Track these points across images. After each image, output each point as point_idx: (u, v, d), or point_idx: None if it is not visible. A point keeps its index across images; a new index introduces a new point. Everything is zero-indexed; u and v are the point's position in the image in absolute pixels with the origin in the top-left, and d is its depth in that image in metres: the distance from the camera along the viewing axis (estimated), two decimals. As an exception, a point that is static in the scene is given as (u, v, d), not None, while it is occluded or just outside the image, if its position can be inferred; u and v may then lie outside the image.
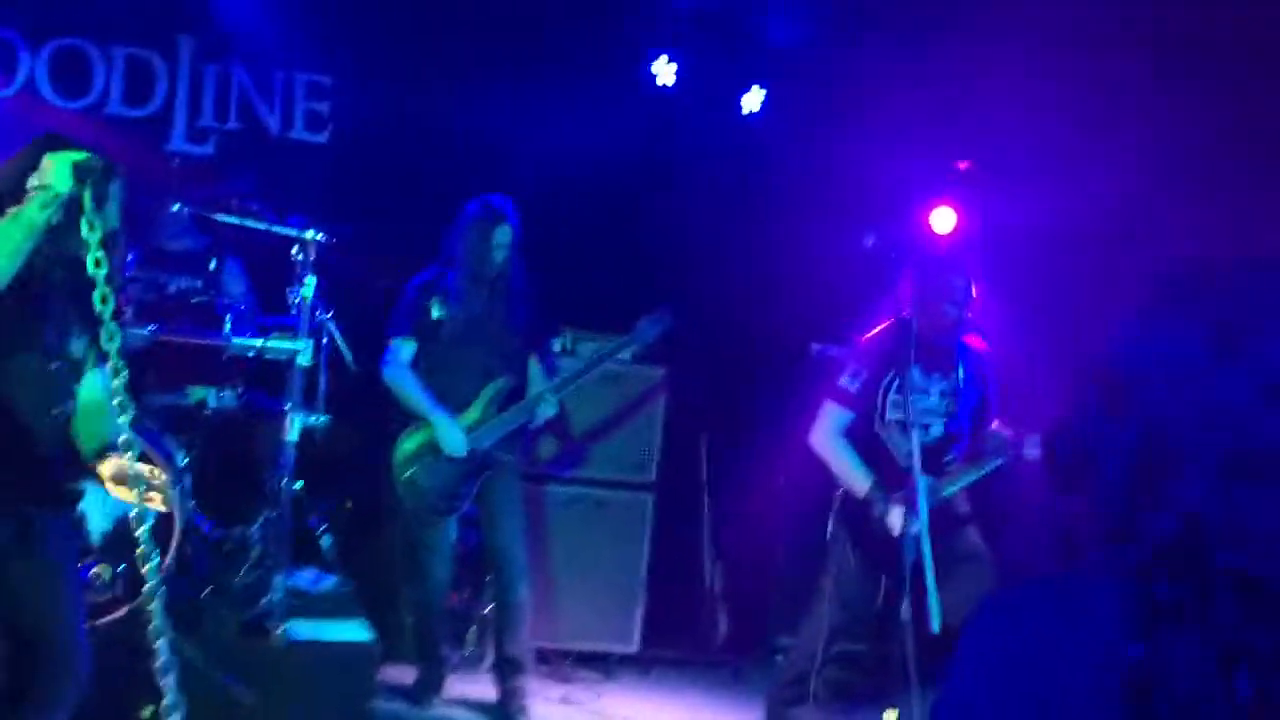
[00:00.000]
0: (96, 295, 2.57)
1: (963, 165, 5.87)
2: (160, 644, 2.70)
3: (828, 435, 4.13)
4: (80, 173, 2.59)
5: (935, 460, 4.14)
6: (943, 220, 5.62)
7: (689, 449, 5.51)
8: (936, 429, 4.14)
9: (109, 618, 3.72)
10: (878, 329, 4.27)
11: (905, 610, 2.99)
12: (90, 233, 2.56)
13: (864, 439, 4.16)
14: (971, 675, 1.03)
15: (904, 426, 4.10)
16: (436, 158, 5.36)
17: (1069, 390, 1.11)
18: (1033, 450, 4.05)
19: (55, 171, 2.57)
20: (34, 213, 2.54)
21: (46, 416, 2.75)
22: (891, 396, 4.15)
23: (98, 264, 2.56)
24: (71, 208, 2.57)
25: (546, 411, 4.51)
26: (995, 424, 4.28)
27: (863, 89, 5.50)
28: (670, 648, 5.45)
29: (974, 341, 4.30)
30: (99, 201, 2.60)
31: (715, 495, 5.55)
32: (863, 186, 5.28)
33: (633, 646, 5.26)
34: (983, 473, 4.12)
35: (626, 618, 5.24)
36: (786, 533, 5.45)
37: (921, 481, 3.08)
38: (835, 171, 5.46)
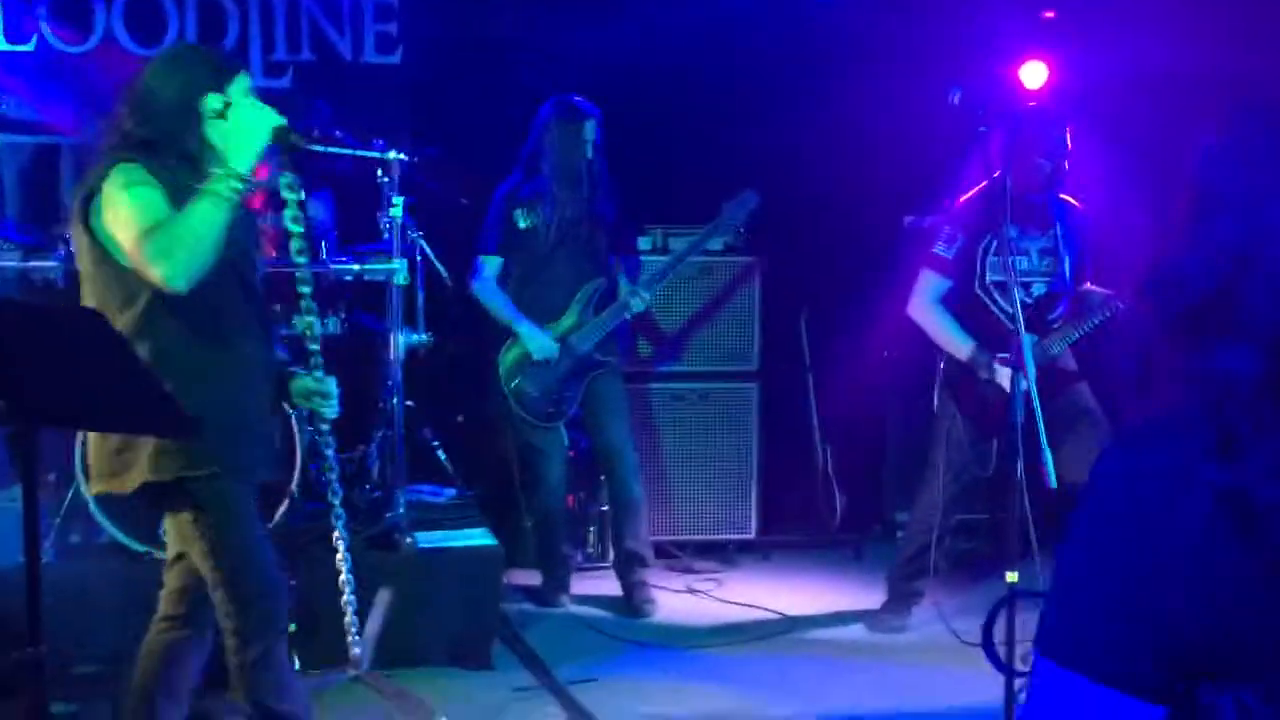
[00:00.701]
0: (295, 246, 2.77)
1: (1049, 15, 5.66)
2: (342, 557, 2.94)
3: (926, 304, 4.10)
4: (282, 139, 2.60)
5: (1039, 319, 4.07)
6: (1033, 74, 5.43)
7: (789, 333, 5.48)
8: (1038, 288, 4.07)
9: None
10: (971, 192, 4.18)
11: (1020, 470, 2.97)
12: (293, 193, 2.67)
13: (965, 305, 4.11)
14: (1089, 525, 1.02)
15: (1004, 288, 4.03)
16: (509, 68, 5.34)
17: (1164, 219, 1.07)
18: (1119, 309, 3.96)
19: (251, 141, 2.52)
20: (230, 194, 2.49)
21: (267, 387, 2.84)
22: (989, 259, 4.09)
23: (296, 221, 2.73)
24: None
25: (639, 306, 4.52)
26: (1088, 285, 4.19)
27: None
28: (788, 532, 5.50)
29: (1070, 199, 4.20)
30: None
31: (819, 377, 5.52)
32: (948, 46, 5.11)
33: (750, 534, 5.32)
34: (1086, 330, 4.05)
35: (742, 506, 5.29)
36: (895, 407, 5.43)
37: (1026, 339, 3.03)
38: (917, 32, 5.29)
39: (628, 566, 4.72)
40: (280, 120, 2.60)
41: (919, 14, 5.31)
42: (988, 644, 2.95)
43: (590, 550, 5.15)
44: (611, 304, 4.53)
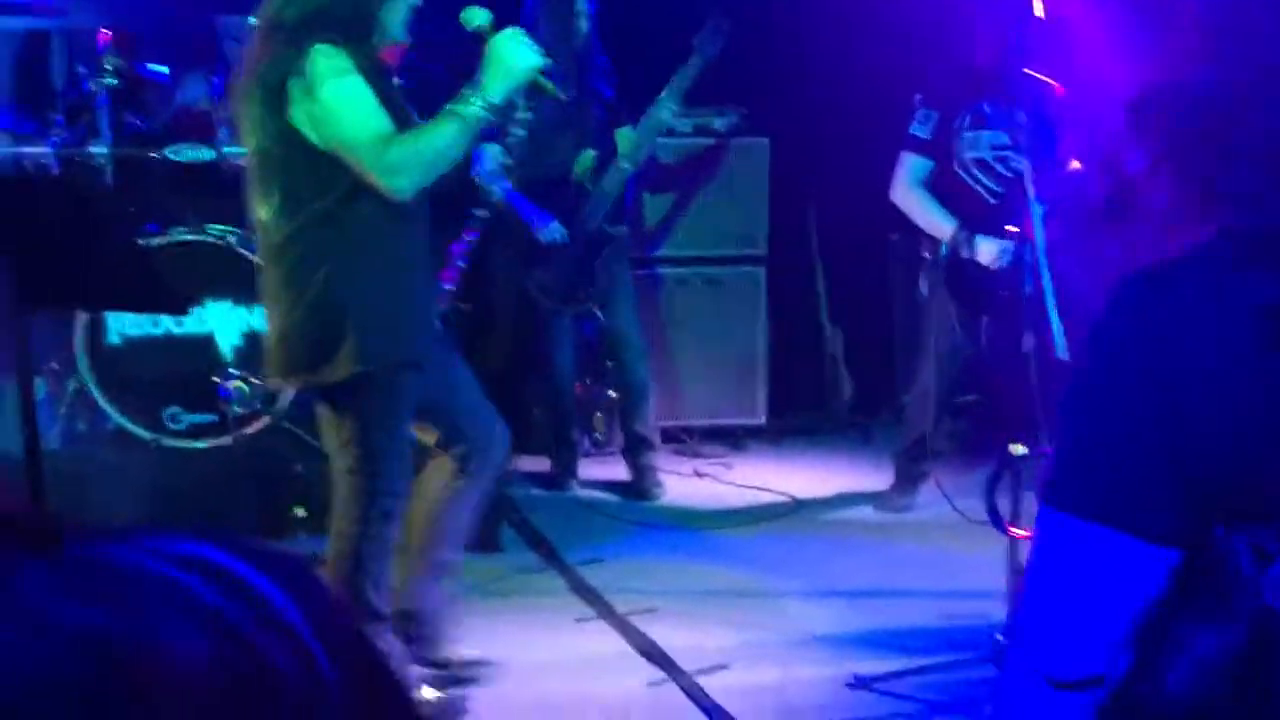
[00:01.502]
0: None
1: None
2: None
3: (906, 186, 4.05)
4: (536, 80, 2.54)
5: (1020, 195, 4.01)
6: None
7: (797, 217, 5.41)
8: (1016, 163, 3.99)
9: (254, 427, 3.88)
10: (946, 66, 4.10)
11: (1028, 341, 2.93)
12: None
13: (944, 184, 4.05)
14: (1105, 361, 0.98)
15: (984, 164, 3.99)
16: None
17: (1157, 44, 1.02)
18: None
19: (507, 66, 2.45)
20: (478, 120, 2.46)
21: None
22: (965, 134, 4.02)
23: None
24: None
25: (636, 158, 4.40)
26: (1075, 164, 4.10)
27: None
28: (797, 416, 5.50)
29: (1043, 77, 4.10)
30: None
31: (828, 261, 5.47)
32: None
33: (759, 418, 5.31)
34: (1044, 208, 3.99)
35: (751, 390, 5.28)
36: (902, 290, 5.37)
37: (1036, 207, 2.97)
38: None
39: (635, 450, 4.73)
40: (542, 62, 2.54)
41: None
42: (991, 507, 2.95)
43: (598, 436, 5.16)
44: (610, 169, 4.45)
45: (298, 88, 2.40)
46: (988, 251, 3.88)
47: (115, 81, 3.90)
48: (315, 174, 2.48)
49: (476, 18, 2.59)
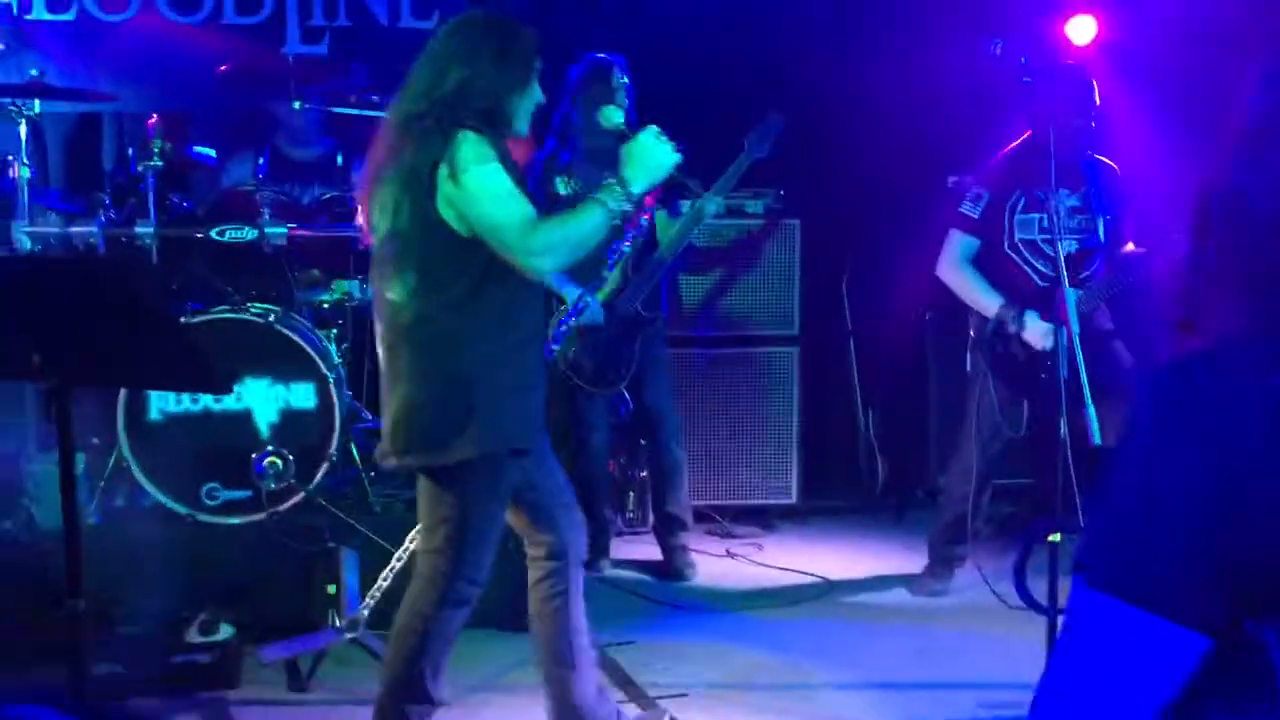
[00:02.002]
0: None
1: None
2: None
3: (954, 264, 4.09)
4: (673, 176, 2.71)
5: (1071, 277, 4.02)
6: (1081, 29, 5.31)
7: (830, 296, 5.43)
8: (1068, 245, 4.00)
9: (288, 503, 3.90)
10: (1005, 149, 4.14)
11: (1063, 427, 2.92)
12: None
13: (995, 264, 4.08)
14: (1145, 451, 0.99)
15: (1035, 246, 4.01)
16: (548, 27, 5.28)
17: (1213, 149, 1.04)
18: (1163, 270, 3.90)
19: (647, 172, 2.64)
20: (619, 209, 2.62)
21: None
22: (1018, 217, 4.05)
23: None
24: None
25: (676, 248, 4.44)
26: (1130, 246, 4.13)
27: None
28: (829, 497, 5.47)
29: (1103, 159, 4.15)
30: None
31: (861, 340, 5.47)
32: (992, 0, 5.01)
33: (792, 498, 5.28)
34: (1118, 286, 4.00)
35: (783, 471, 5.26)
36: (936, 370, 5.36)
37: (1070, 293, 2.97)
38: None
39: (668, 530, 4.72)
40: (679, 159, 2.69)
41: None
42: (1020, 584, 2.92)
43: (631, 515, 5.15)
44: (649, 258, 4.49)
45: (444, 173, 2.50)
46: (1035, 331, 3.90)
47: (161, 163, 4.00)
48: (451, 259, 2.55)
49: (615, 116, 2.79)
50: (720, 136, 5.07)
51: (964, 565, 4.40)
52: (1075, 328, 2.88)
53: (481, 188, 2.50)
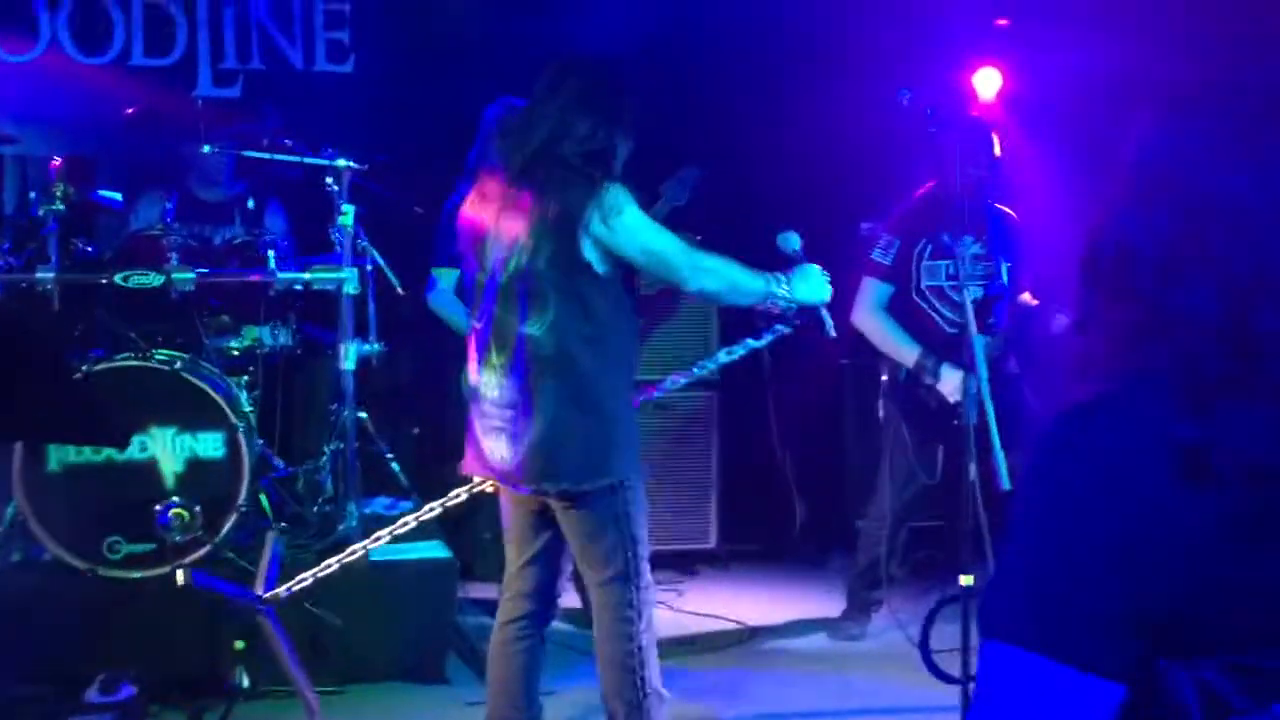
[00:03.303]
0: None
1: (1002, 23, 5.68)
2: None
3: (869, 311, 4.12)
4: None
5: (978, 323, 4.07)
6: (986, 81, 5.45)
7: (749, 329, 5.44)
8: (973, 292, 4.07)
9: (194, 556, 3.79)
10: (911, 197, 4.21)
11: (972, 472, 2.95)
12: None
13: (904, 311, 4.13)
14: (1043, 501, 0.99)
15: (941, 293, 4.07)
16: (463, 75, 5.28)
17: (1102, 192, 1.06)
18: (1062, 321, 3.99)
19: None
20: (772, 299, 2.91)
21: None
22: (925, 263, 4.11)
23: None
24: None
25: None
26: (1027, 295, 4.22)
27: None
28: (748, 541, 5.47)
29: (1004, 208, 4.24)
30: None
31: (779, 385, 5.50)
32: (902, 50, 5.11)
33: (710, 543, 5.27)
34: (1004, 337, 4.07)
35: (702, 515, 5.25)
36: (853, 415, 5.40)
37: (978, 339, 3.01)
38: (870, 36, 5.29)
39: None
40: (828, 297, 2.97)
41: (872, 17, 5.31)
42: (923, 642, 2.94)
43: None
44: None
45: (595, 217, 2.68)
46: (950, 381, 3.91)
47: (64, 207, 3.90)
48: (588, 298, 2.74)
49: (793, 242, 3.03)
50: (638, 182, 5.10)
51: (880, 609, 4.42)
52: (984, 373, 2.91)
53: (640, 225, 2.74)
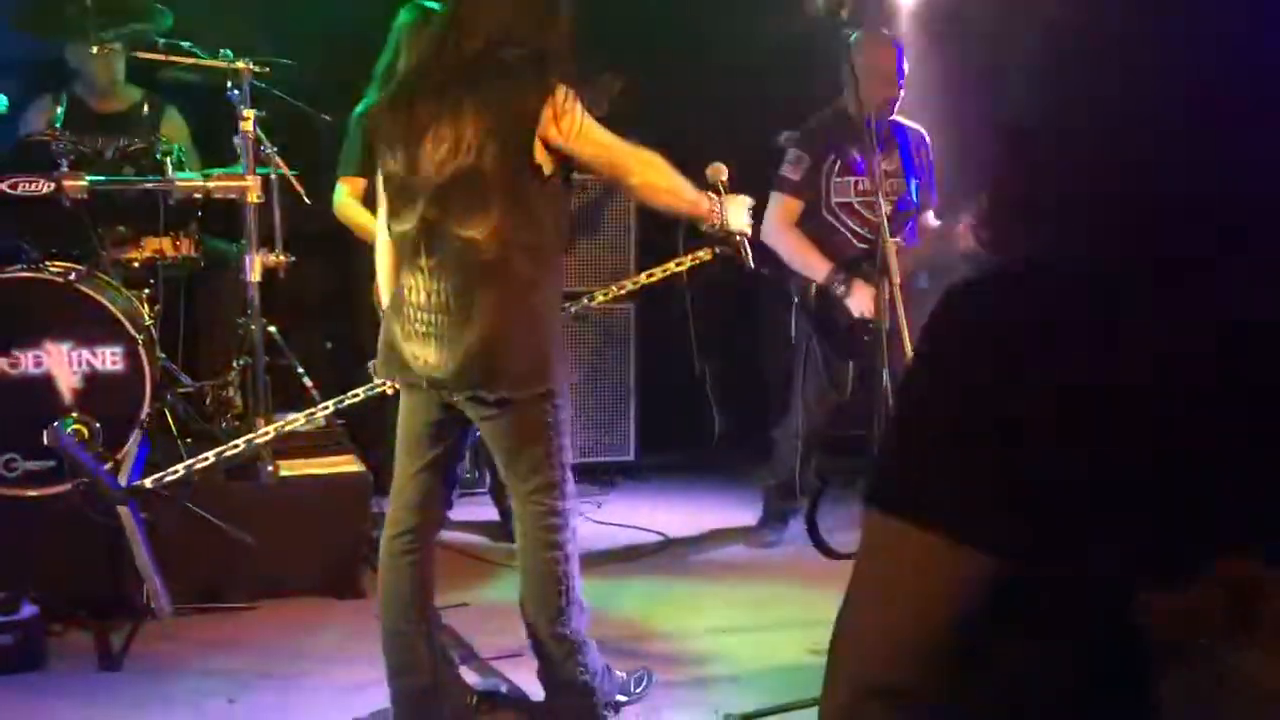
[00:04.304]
0: None
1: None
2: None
3: (779, 227, 4.09)
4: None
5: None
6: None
7: (665, 252, 5.40)
8: (884, 207, 4.06)
9: (95, 475, 3.68)
10: (818, 114, 4.19)
11: (885, 378, 2.95)
12: None
13: (813, 226, 4.11)
14: (931, 364, 0.97)
15: (851, 208, 4.05)
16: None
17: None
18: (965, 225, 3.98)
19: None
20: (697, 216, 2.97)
21: None
22: (834, 180, 4.09)
23: None
24: None
25: None
26: (931, 214, 4.21)
27: None
28: (667, 453, 5.48)
29: (911, 124, 4.22)
30: None
31: (696, 297, 5.47)
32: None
33: (629, 455, 5.28)
34: (938, 258, 4.09)
35: (620, 428, 5.24)
36: (769, 327, 5.40)
37: (890, 244, 3.00)
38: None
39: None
40: (749, 229, 3.05)
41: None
42: (811, 525, 2.99)
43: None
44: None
45: (547, 117, 2.64)
46: (860, 297, 3.91)
47: (-53, 112, 3.70)
48: (533, 204, 2.70)
49: (721, 174, 3.04)
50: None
51: (797, 517, 4.46)
52: (896, 279, 2.90)
53: (589, 123, 2.71)
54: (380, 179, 2.87)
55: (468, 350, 2.71)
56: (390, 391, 3.10)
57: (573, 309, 3.34)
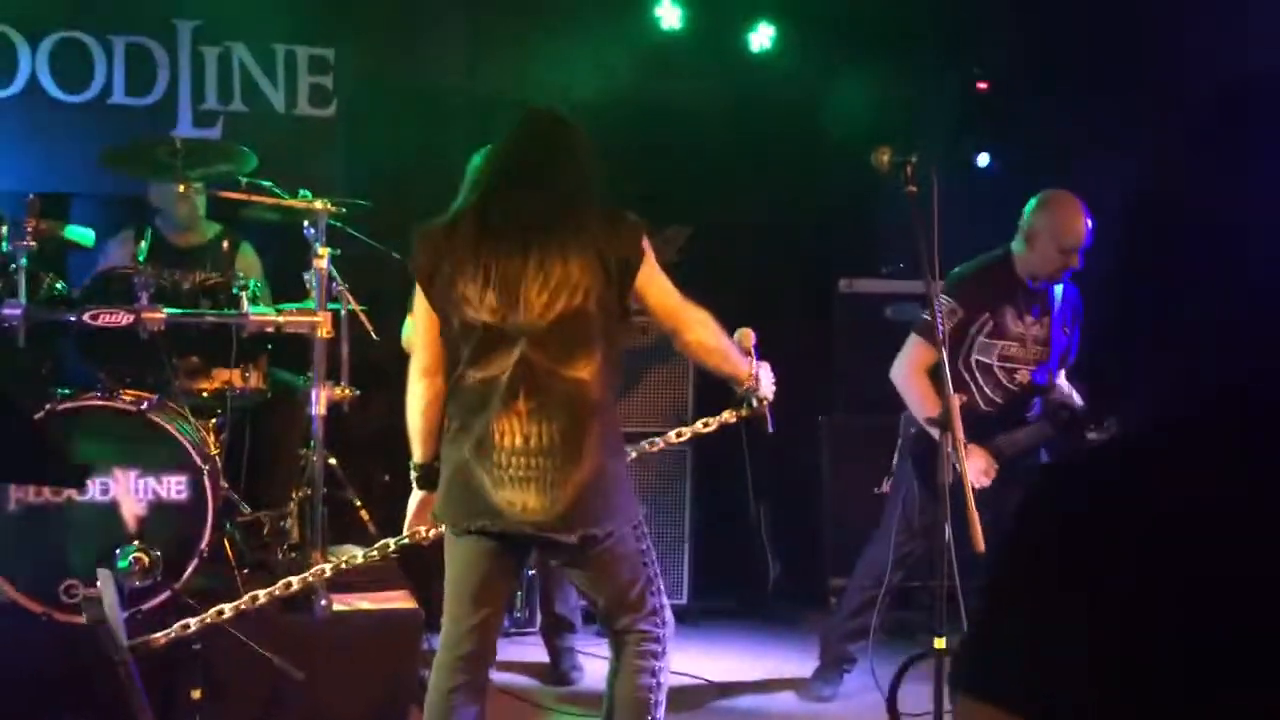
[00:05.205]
0: None
1: (982, 86, 5.73)
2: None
3: (910, 372, 3.91)
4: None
5: (1016, 409, 4.00)
6: (981, 159, 5.50)
7: (724, 395, 5.42)
8: (1021, 375, 4.00)
9: (153, 602, 3.70)
10: (979, 264, 4.03)
11: (947, 532, 2.90)
12: None
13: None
14: (1028, 547, 0.94)
15: (989, 370, 3.97)
16: (446, 119, 5.29)
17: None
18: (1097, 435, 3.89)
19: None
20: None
21: None
22: (981, 339, 3.97)
23: None
24: None
25: None
26: (1062, 376, 4.08)
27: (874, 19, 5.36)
28: (720, 598, 5.40)
29: (1069, 283, 4.08)
30: None
31: (754, 441, 5.46)
32: (880, 121, 5.15)
33: (682, 599, 5.20)
34: (1040, 442, 3.99)
35: (673, 571, 5.18)
36: (829, 473, 5.37)
37: (953, 400, 2.97)
38: (854, 105, 5.33)
39: (555, 632, 4.59)
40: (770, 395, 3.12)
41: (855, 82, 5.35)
42: (890, 702, 2.88)
43: (518, 614, 5.01)
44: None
45: (641, 262, 2.77)
46: (974, 465, 3.76)
47: (35, 244, 3.84)
48: (616, 342, 2.83)
49: (748, 342, 3.10)
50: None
51: (853, 670, 4.35)
52: (960, 435, 2.88)
53: (660, 273, 2.84)
54: (440, 329, 2.83)
55: (580, 490, 2.73)
56: (428, 540, 3.10)
57: (646, 445, 3.38)
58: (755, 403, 3.05)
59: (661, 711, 2.91)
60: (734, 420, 3.17)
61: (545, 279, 2.71)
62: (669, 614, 2.92)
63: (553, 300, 2.71)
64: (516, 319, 2.72)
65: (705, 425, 3.27)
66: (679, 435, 3.32)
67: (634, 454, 3.21)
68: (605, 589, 2.88)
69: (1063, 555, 0.91)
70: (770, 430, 3.10)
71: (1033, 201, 3.96)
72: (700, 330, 2.89)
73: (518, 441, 2.73)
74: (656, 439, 3.40)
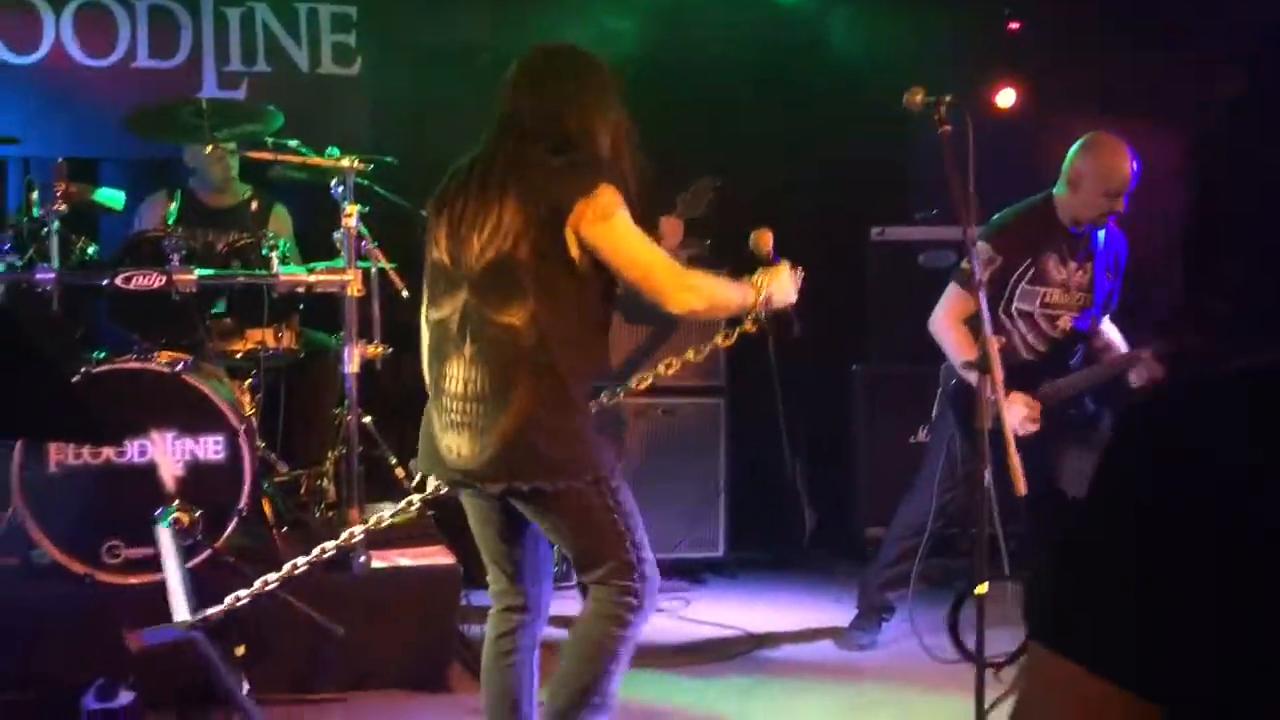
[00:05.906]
0: None
1: (1014, 26, 5.63)
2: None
3: (948, 322, 3.85)
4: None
5: (1059, 357, 3.95)
6: (1004, 97, 5.41)
7: (755, 347, 5.39)
8: (1064, 322, 3.94)
9: (195, 561, 3.73)
10: (1020, 209, 3.96)
11: (987, 478, 2.86)
12: None
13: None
14: (1113, 493, 0.90)
15: (1031, 319, 3.91)
16: (470, 77, 5.24)
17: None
18: (1140, 376, 3.82)
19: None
20: (750, 305, 2.86)
21: None
22: (1022, 286, 3.90)
23: None
24: None
25: None
26: (1108, 319, 4.03)
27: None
28: (757, 549, 5.40)
29: (1113, 228, 3.98)
30: None
31: (788, 392, 5.44)
32: (916, 63, 5.07)
33: (719, 551, 5.21)
34: (1091, 385, 3.93)
35: (710, 523, 5.19)
36: (863, 423, 5.34)
37: (991, 342, 2.93)
38: (882, 51, 5.25)
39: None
40: (794, 299, 2.94)
41: (888, 24, 5.27)
42: (953, 629, 2.84)
43: (556, 569, 5.01)
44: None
45: (585, 214, 2.61)
46: (1016, 413, 3.70)
47: (67, 208, 3.85)
48: (563, 292, 2.65)
49: (766, 245, 2.97)
50: (651, 193, 5.06)
51: (891, 618, 4.34)
52: (999, 376, 2.84)
53: (629, 230, 2.65)
54: (425, 271, 2.84)
55: (503, 439, 2.63)
56: (443, 493, 3.04)
57: (604, 397, 3.19)
58: (761, 317, 2.89)
59: (618, 666, 2.78)
60: (751, 330, 2.98)
61: (483, 223, 2.65)
62: (649, 569, 2.75)
63: (486, 245, 2.65)
64: (460, 263, 2.69)
65: (725, 338, 3.14)
66: (668, 367, 3.12)
67: (606, 400, 3.08)
68: (567, 543, 2.79)
69: (1159, 504, 0.86)
70: (796, 335, 2.96)
71: (1076, 145, 3.88)
72: (683, 298, 2.68)
73: (459, 386, 2.68)
74: (630, 383, 3.19)
